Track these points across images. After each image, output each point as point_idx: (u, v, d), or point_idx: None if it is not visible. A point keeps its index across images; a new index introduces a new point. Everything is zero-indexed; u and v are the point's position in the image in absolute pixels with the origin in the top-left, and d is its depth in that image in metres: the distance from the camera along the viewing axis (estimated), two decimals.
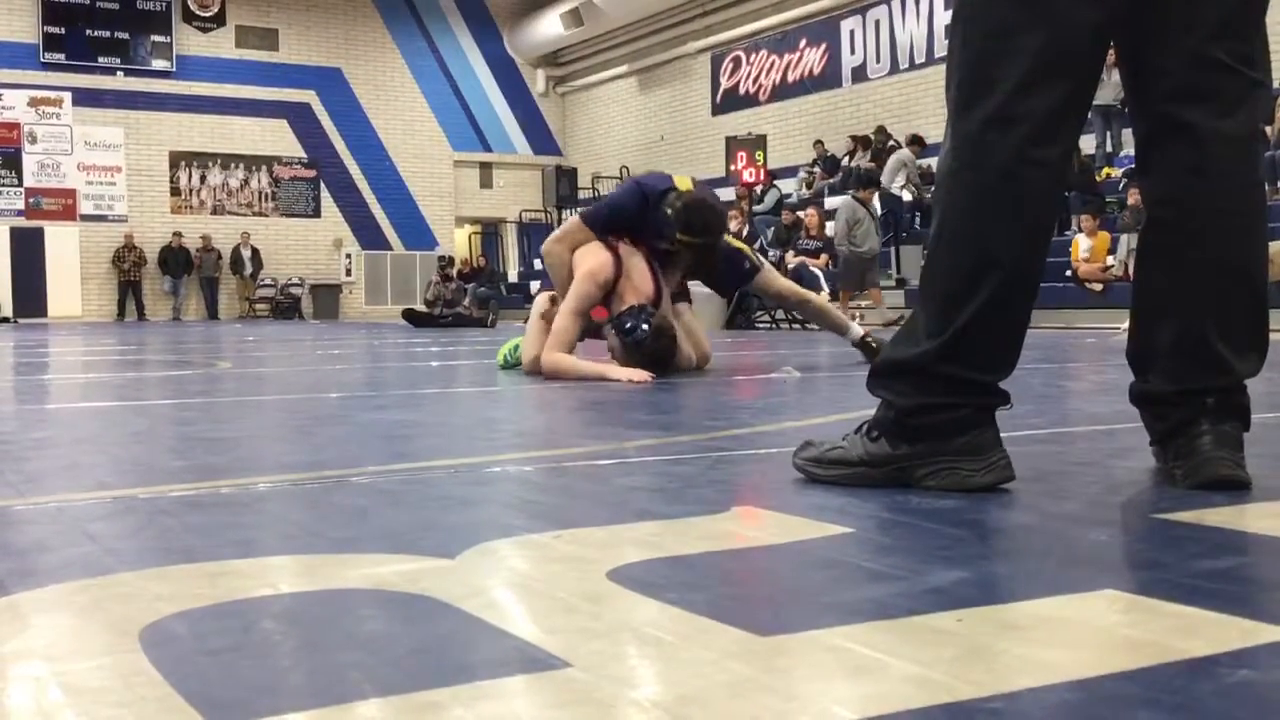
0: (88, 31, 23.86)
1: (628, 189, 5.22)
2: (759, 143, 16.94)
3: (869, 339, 5.38)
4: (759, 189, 17.27)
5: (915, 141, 16.85)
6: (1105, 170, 14.61)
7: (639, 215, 5.00)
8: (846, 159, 19.00)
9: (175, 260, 24.18)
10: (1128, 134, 14.20)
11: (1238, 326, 1.95)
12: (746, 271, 5.51)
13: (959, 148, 2.01)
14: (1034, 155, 1.91)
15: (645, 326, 4.69)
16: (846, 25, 20.14)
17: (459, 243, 26.76)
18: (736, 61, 22.60)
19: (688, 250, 4.97)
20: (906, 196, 16.28)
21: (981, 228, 1.95)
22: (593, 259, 4.92)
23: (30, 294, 23.22)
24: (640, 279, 4.95)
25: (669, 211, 4.89)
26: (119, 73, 24.11)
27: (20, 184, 23.38)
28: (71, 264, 23.73)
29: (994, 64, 1.94)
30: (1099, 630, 1.13)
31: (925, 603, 1.22)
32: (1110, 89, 14.63)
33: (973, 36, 1.99)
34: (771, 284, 5.69)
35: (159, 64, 24.44)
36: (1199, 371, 1.94)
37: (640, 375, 4.56)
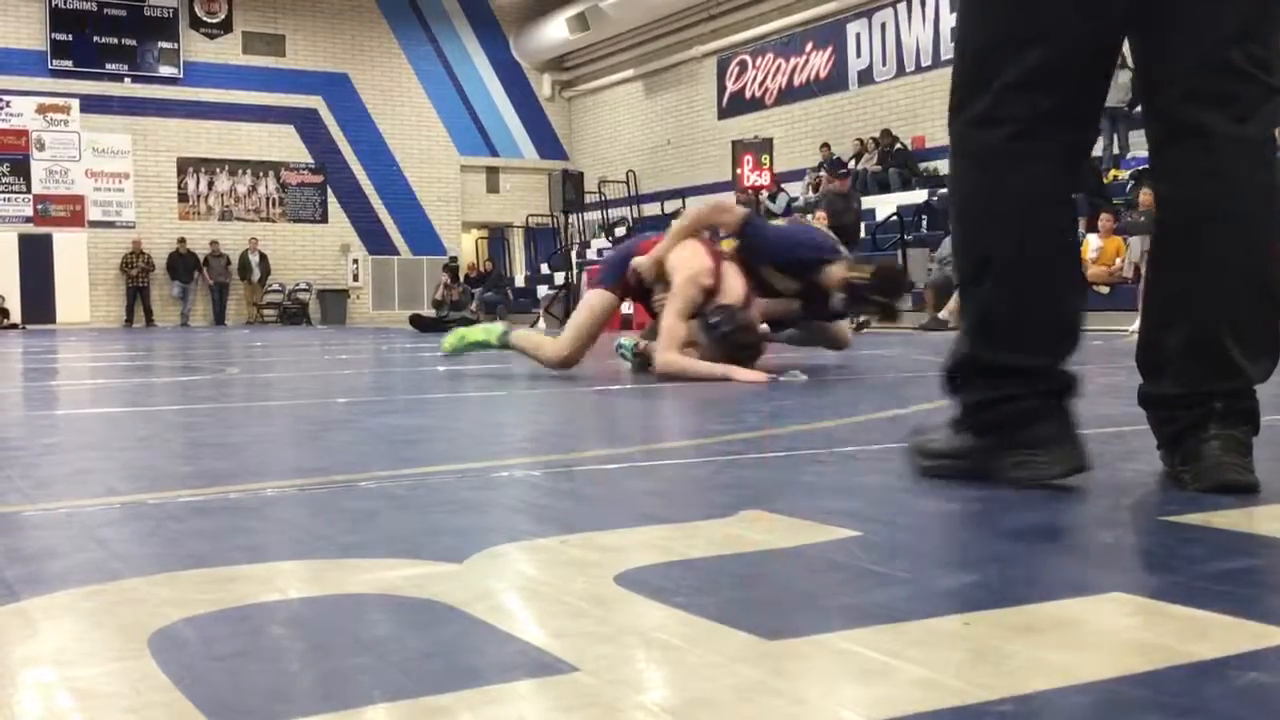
0: (95, 38, 23.92)
1: (802, 239, 5.57)
2: (765, 146, 16.91)
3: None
4: (766, 193, 17.26)
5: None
6: (1113, 172, 14.59)
7: (777, 251, 5.34)
8: (853, 162, 18.99)
9: (183, 266, 24.23)
10: (1134, 136, 14.20)
11: (1249, 330, 1.95)
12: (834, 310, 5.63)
13: (952, 146, 2.12)
14: (1018, 151, 1.95)
15: (727, 323, 4.86)
16: (852, 28, 20.13)
17: (465, 247, 26.79)
18: (742, 65, 22.60)
19: (864, 305, 5.36)
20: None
21: (973, 224, 2.01)
22: (696, 263, 5.05)
23: (39, 300, 23.28)
24: (733, 285, 5.10)
25: (863, 275, 5.20)
26: (126, 79, 24.17)
27: (29, 191, 23.44)
28: (80, 270, 23.79)
29: (989, 67, 1.98)
30: (1108, 633, 1.13)
31: (934, 606, 1.22)
32: (1117, 90, 14.60)
33: (970, 42, 2.02)
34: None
35: (166, 70, 24.50)
36: (1209, 374, 1.93)
37: (759, 376, 4.67)
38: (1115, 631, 1.13)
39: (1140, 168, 13.48)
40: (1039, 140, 1.96)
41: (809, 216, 16.21)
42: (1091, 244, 12.85)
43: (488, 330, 5.75)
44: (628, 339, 5.73)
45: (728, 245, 5.41)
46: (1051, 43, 1.93)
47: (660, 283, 5.19)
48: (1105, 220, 12.69)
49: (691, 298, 5.00)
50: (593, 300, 5.32)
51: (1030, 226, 1.97)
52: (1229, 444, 1.89)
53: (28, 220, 23.43)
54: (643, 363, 5.45)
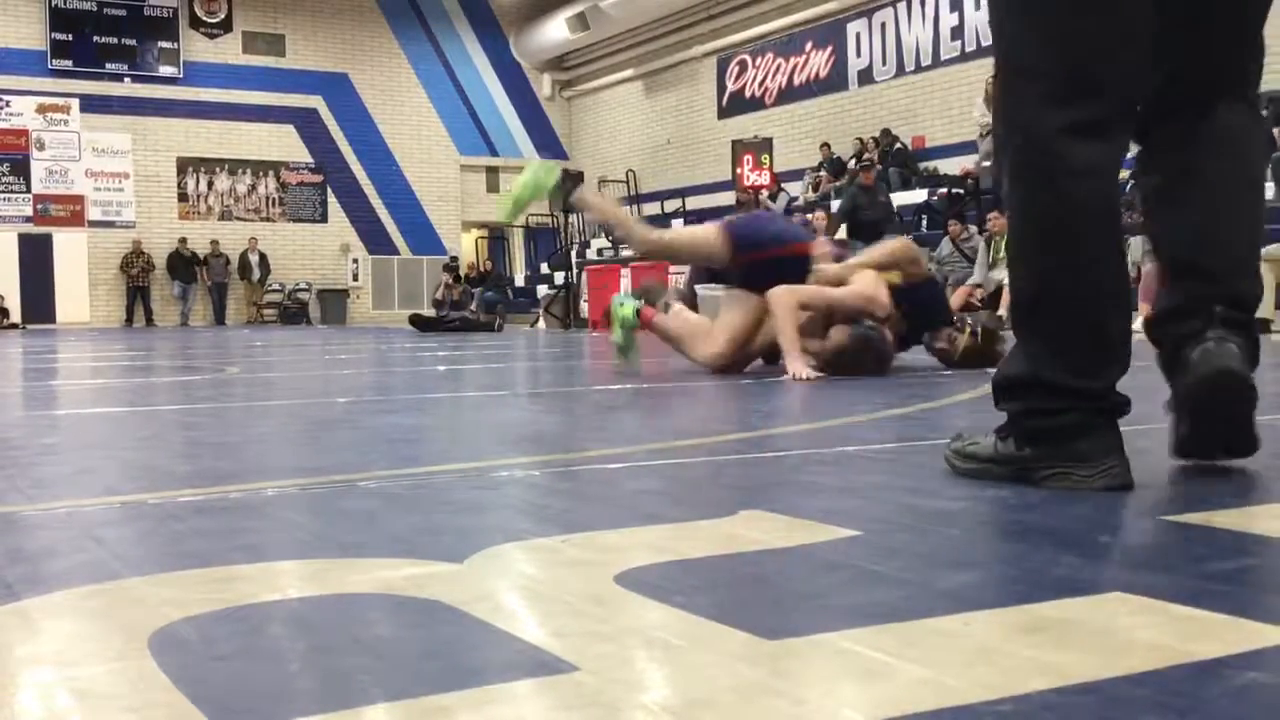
0: (95, 38, 23.94)
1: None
2: (765, 146, 16.93)
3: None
4: (766, 193, 17.26)
5: None
6: None
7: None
8: (853, 161, 19.00)
9: (183, 266, 24.24)
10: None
11: (1247, 237, 2.04)
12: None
13: (1040, 153, 1.95)
14: (1108, 164, 1.97)
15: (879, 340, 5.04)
16: (852, 28, 20.14)
17: (465, 247, 26.80)
18: (742, 65, 22.60)
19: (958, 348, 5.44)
20: None
21: (1021, 248, 2.01)
22: (884, 293, 5.16)
23: (39, 300, 23.29)
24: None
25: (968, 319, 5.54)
26: (126, 79, 24.18)
27: (29, 190, 23.45)
28: (80, 270, 23.80)
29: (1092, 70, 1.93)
30: (1108, 632, 1.13)
31: (934, 605, 1.22)
32: None
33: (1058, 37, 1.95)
34: None
35: (166, 70, 24.51)
36: (1210, 280, 1.98)
37: (808, 374, 4.77)
38: (1115, 631, 1.13)
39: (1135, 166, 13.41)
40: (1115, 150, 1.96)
41: (808, 216, 16.21)
42: None
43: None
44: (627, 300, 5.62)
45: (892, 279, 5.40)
46: (1139, 44, 1.91)
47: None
48: None
49: (857, 307, 5.10)
50: (780, 294, 5.24)
51: (1101, 246, 1.94)
52: (1224, 341, 1.92)
53: (28, 220, 23.44)
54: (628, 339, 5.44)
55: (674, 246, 5.84)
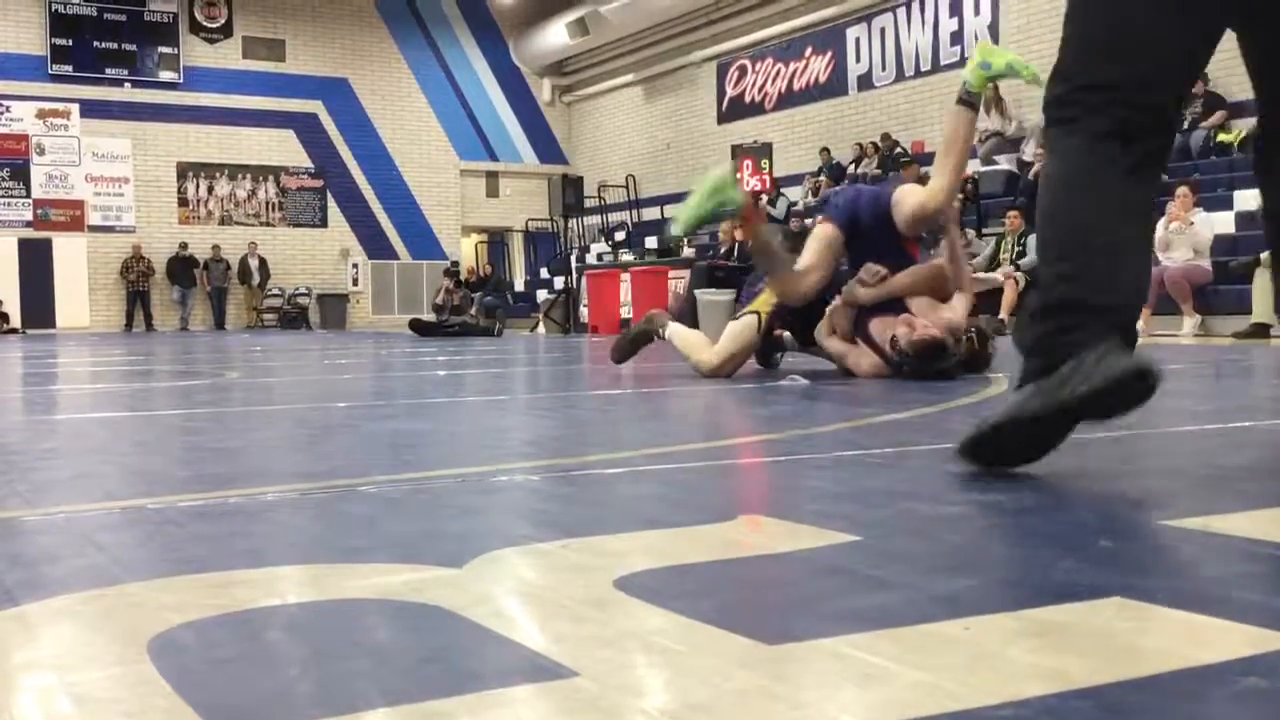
0: (95, 43, 23.95)
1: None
2: (764, 151, 16.93)
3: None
4: (766, 197, 17.27)
5: None
6: None
7: None
8: (852, 166, 19.01)
9: (183, 270, 24.24)
10: None
11: None
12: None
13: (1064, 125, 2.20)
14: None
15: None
16: (852, 33, 20.15)
17: (465, 252, 26.81)
18: (742, 70, 22.62)
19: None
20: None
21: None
22: (964, 310, 5.11)
23: (39, 305, 23.29)
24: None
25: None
26: (126, 84, 24.20)
27: (28, 195, 23.45)
28: (79, 275, 23.80)
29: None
30: (1107, 637, 1.13)
31: (933, 610, 1.22)
32: None
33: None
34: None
35: (166, 75, 24.53)
36: None
37: (879, 370, 4.95)
38: (1115, 636, 1.13)
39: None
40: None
41: (808, 221, 16.23)
42: None
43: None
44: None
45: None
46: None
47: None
48: None
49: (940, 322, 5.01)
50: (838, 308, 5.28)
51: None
52: None
53: (28, 225, 23.44)
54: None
55: (810, 275, 5.27)
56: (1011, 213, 13.49)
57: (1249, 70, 2.22)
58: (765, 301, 5.30)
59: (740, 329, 5.29)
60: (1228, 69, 14.18)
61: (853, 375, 5.22)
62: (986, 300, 12.68)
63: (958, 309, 5.06)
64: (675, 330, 5.51)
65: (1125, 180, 2.06)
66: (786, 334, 5.80)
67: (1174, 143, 2.21)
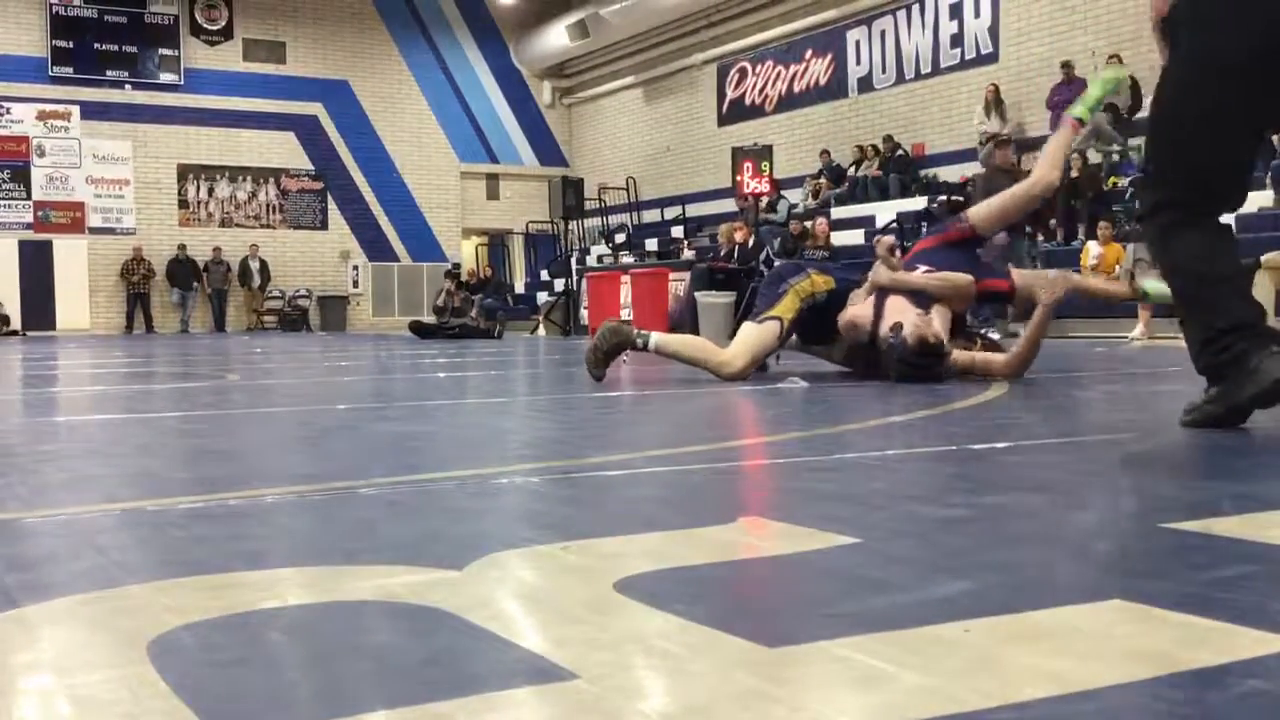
0: (96, 45, 23.95)
1: None
2: (765, 153, 16.89)
3: None
4: (765, 199, 17.27)
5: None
6: (1112, 179, 14.59)
7: None
8: (853, 168, 19.00)
9: (183, 273, 24.24)
10: (1133, 141, 14.21)
11: None
12: None
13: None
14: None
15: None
16: (852, 36, 20.15)
17: (466, 254, 26.81)
18: (742, 72, 22.62)
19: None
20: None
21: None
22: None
23: (39, 307, 23.28)
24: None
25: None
26: (127, 86, 24.19)
27: (29, 197, 23.45)
28: (80, 277, 23.79)
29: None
30: (1107, 640, 1.13)
31: (933, 613, 1.22)
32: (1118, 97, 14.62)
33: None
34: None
35: (167, 77, 24.53)
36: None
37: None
38: (1115, 638, 1.13)
39: (1139, 175, 13.43)
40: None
41: (807, 225, 16.22)
42: (1091, 251, 12.85)
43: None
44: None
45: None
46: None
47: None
48: (1104, 228, 12.70)
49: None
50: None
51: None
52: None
53: (28, 227, 23.43)
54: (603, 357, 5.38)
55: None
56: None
57: None
58: (789, 307, 5.30)
59: (763, 332, 5.29)
60: None
61: (851, 376, 5.22)
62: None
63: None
64: (668, 339, 5.44)
65: (1222, 240, 2.96)
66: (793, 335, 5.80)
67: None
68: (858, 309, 5.23)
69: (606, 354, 5.26)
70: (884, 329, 4.96)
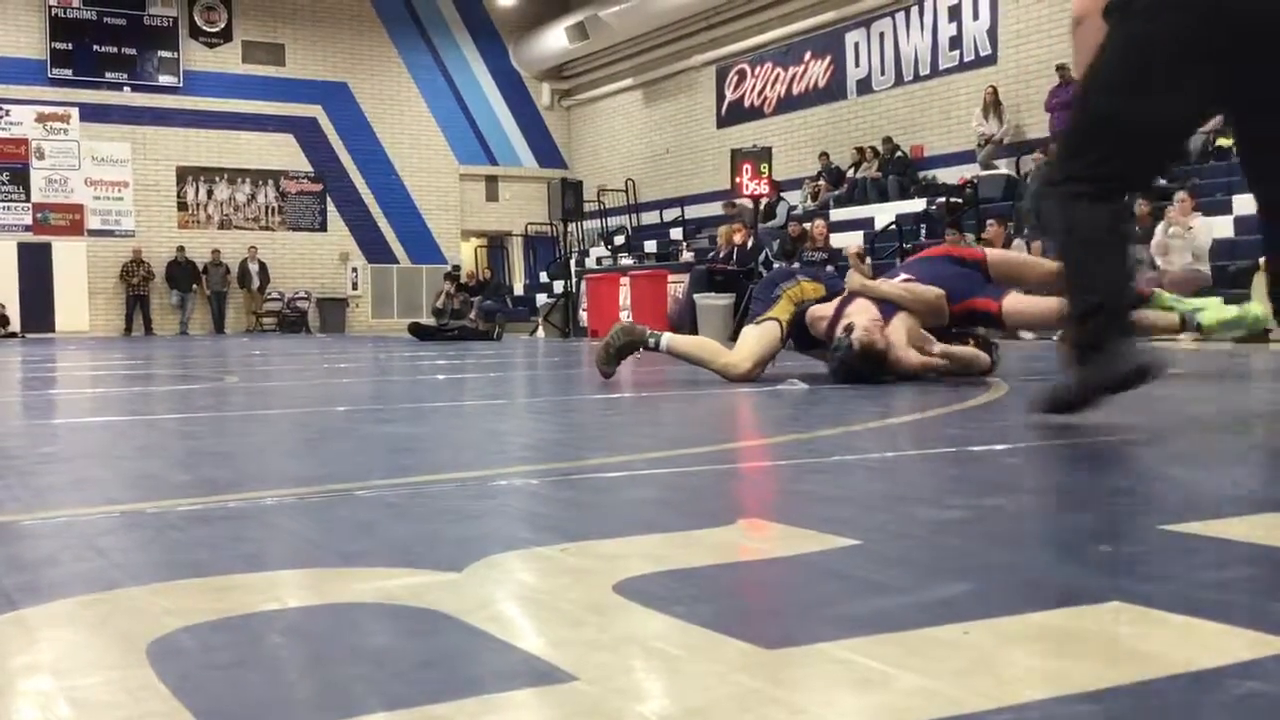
0: (95, 47, 23.95)
1: None
2: (764, 155, 16.89)
3: None
4: (764, 202, 17.27)
5: None
6: None
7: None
8: (852, 170, 19.01)
9: (182, 275, 24.24)
10: None
11: None
12: None
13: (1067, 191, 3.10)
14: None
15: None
16: (851, 38, 20.16)
17: (465, 256, 26.82)
18: (741, 74, 22.63)
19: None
20: None
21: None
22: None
23: (38, 309, 23.28)
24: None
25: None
26: (126, 88, 24.19)
27: (28, 199, 23.44)
28: (79, 279, 23.79)
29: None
30: (1106, 642, 1.13)
31: (932, 614, 1.22)
32: None
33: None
34: None
35: (166, 79, 24.53)
36: None
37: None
38: (1114, 640, 1.13)
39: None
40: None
41: (806, 226, 16.22)
42: None
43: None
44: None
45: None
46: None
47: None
48: None
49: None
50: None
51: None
52: None
53: (27, 229, 23.43)
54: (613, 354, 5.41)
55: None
56: None
57: (1239, 151, 3.16)
58: (785, 309, 5.37)
59: (764, 333, 5.35)
60: None
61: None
62: None
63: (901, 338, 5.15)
64: (679, 340, 5.51)
65: (1125, 221, 3.12)
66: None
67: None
68: (821, 307, 5.31)
69: (619, 351, 5.33)
70: (839, 329, 5.03)
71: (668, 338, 5.44)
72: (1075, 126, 3.05)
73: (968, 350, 5.23)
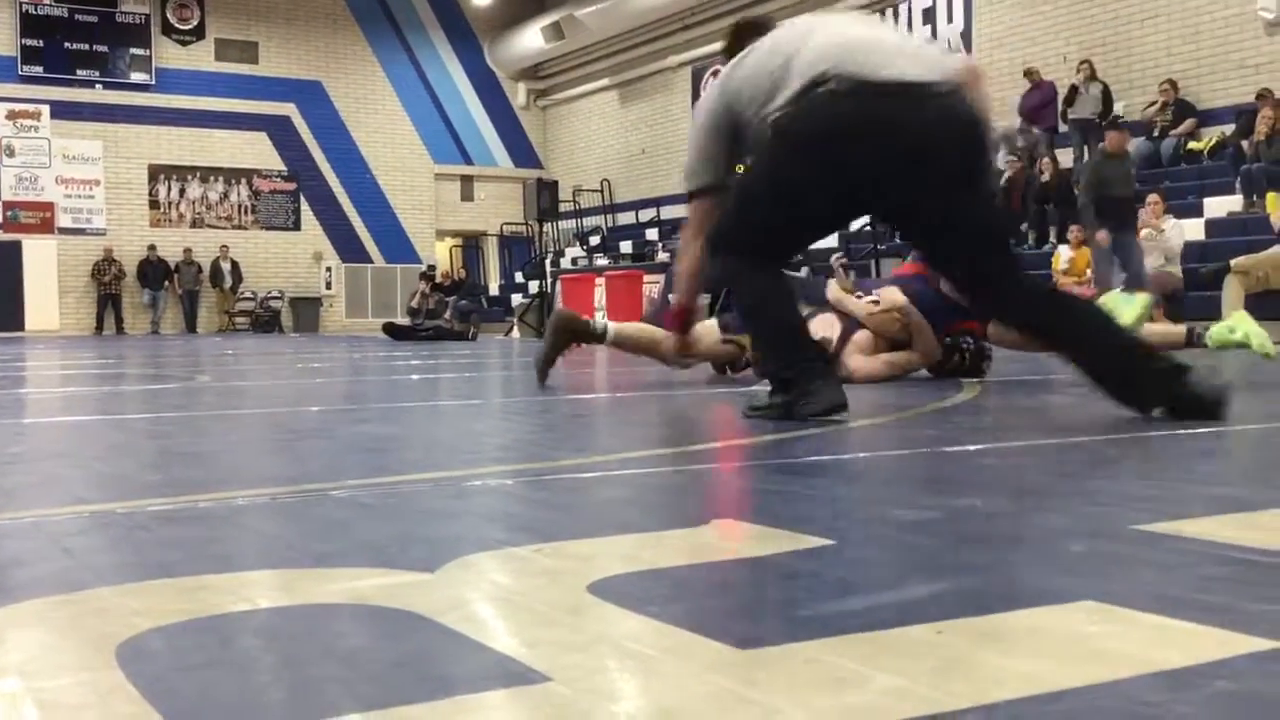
0: (66, 44, 23.77)
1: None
2: None
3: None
4: None
5: None
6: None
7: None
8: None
9: (154, 273, 24.08)
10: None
11: None
12: None
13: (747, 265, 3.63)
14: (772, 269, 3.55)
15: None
16: None
17: (440, 255, 26.76)
18: (716, 75, 22.66)
19: None
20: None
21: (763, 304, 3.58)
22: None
23: (7, 308, 23.08)
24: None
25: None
26: (97, 85, 24.02)
27: None
28: (49, 277, 23.60)
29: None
30: (1078, 641, 1.13)
31: (905, 614, 1.22)
32: (1089, 103, 14.73)
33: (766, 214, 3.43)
34: None
35: (138, 77, 24.37)
36: None
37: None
38: (1085, 639, 1.14)
39: None
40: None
41: None
42: (1062, 255, 12.93)
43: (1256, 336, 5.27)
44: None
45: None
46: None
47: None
48: (1075, 232, 12.76)
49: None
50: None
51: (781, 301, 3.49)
52: None
53: None
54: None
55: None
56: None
57: (915, 241, 3.80)
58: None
59: (713, 333, 5.42)
60: (1197, 77, 14.31)
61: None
62: None
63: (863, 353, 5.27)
64: (624, 328, 5.47)
65: (786, 287, 3.50)
66: None
67: None
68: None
69: (554, 346, 5.12)
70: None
71: (616, 328, 5.39)
72: (732, 218, 3.47)
73: (903, 356, 5.33)
